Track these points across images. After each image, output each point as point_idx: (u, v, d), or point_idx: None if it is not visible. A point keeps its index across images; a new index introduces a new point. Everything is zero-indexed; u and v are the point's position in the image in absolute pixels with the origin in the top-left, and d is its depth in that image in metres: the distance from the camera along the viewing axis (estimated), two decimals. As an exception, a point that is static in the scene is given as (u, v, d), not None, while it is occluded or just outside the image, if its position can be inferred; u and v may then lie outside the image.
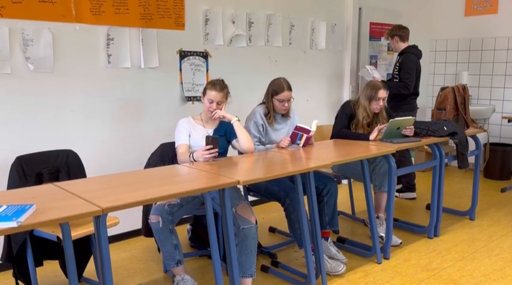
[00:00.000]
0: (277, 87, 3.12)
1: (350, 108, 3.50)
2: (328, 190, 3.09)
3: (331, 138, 3.56)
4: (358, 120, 3.47)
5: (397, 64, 4.45)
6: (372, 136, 3.35)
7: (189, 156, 2.73)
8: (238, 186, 2.58)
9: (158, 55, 3.63)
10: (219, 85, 2.87)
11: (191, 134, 2.92)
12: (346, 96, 5.10)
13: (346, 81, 5.19)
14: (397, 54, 4.59)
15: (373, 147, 3.17)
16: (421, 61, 4.48)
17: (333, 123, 3.68)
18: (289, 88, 3.14)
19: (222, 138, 2.96)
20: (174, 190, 2.11)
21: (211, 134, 2.92)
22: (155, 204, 2.66)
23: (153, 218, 2.63)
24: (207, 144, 2.64)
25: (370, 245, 3.28)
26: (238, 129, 2.89)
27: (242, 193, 2.95)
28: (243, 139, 2.89)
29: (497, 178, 5.44)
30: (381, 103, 3.43)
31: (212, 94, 2.85)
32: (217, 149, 2.66)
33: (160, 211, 2.63)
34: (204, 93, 2.91)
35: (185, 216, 2.90)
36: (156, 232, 2.64)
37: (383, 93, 3.41)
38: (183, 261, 2.73)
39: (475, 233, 3.73)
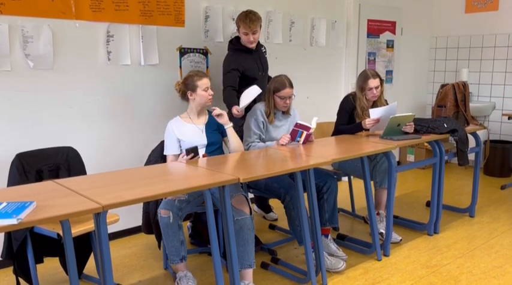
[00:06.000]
0: (279, 84, 3.12)
1: (349, 102, 3.50)
2: (328, 187, 3.10)
3: (332, 135, 3.56)
4: (358, 111, 3.47)
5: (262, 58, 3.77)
6: (365, 123, 3.33)
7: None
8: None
9: (158, 52, 3.62)
10: (203, 73, 3.00)
11: (181, 137, 2.90)
12: (347, 93, 5.08)
13: (346, 78, 5.17)
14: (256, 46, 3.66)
15: (373, 144, 3.17)
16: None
17: (332, 120, 3.68)
18: (291, 85, 3.14)
19: (215, 132, 2.98)
20: (174, 187, 2.11)
21: (203, 130, 2.95)
22: (165, 199, 2.68)
23: (163, 213, 2.64)
24: (187, 155, 2.65)
25: (370, 242, 3.29)
26: (232, 134, 2.96)
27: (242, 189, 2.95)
28: (235, 143, 2.97)
29: (497, 175, 5.44)
30: (374, 92, 3.41)
31: (205, 81, 2.91)
32: (198, 156, 2.72)
33: (171, 206, 2.64)
34: (193, 87, 2.89)
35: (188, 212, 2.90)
36: (164, 227, 2.64)
37: (373, 82, 3.40)
38: (186, 257, 2.74)
39: (475, 230, 3.74)
